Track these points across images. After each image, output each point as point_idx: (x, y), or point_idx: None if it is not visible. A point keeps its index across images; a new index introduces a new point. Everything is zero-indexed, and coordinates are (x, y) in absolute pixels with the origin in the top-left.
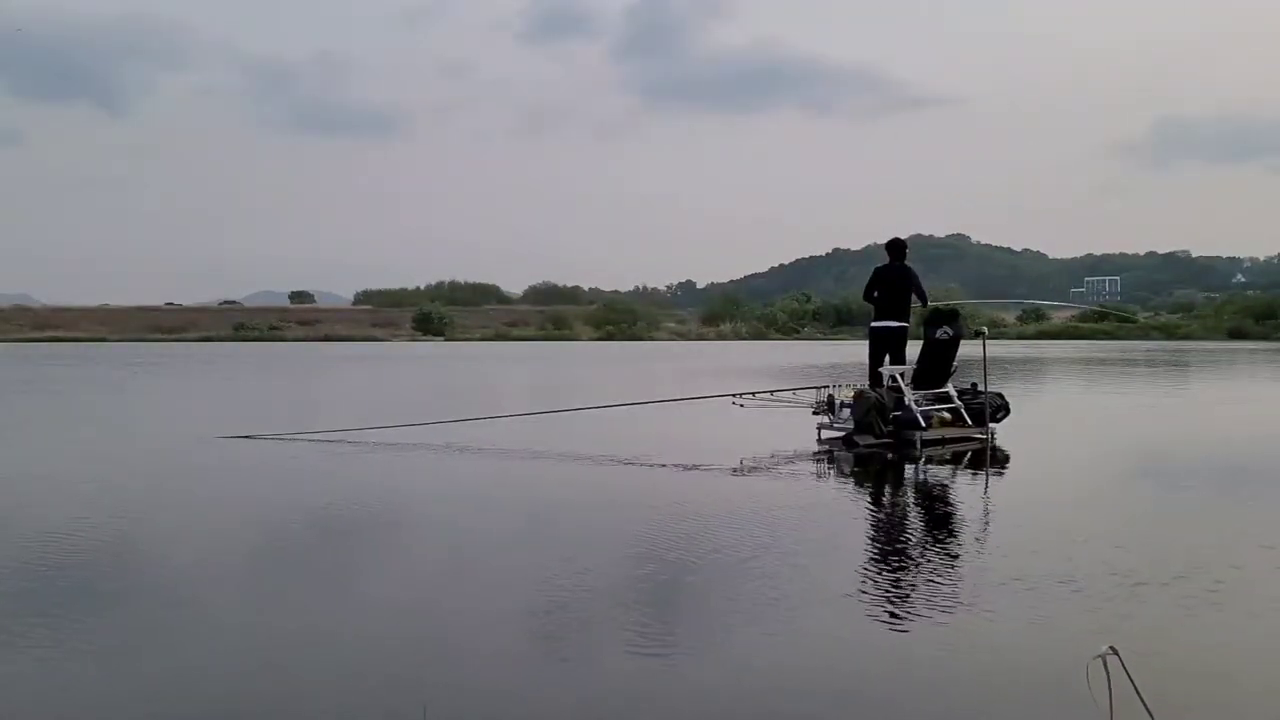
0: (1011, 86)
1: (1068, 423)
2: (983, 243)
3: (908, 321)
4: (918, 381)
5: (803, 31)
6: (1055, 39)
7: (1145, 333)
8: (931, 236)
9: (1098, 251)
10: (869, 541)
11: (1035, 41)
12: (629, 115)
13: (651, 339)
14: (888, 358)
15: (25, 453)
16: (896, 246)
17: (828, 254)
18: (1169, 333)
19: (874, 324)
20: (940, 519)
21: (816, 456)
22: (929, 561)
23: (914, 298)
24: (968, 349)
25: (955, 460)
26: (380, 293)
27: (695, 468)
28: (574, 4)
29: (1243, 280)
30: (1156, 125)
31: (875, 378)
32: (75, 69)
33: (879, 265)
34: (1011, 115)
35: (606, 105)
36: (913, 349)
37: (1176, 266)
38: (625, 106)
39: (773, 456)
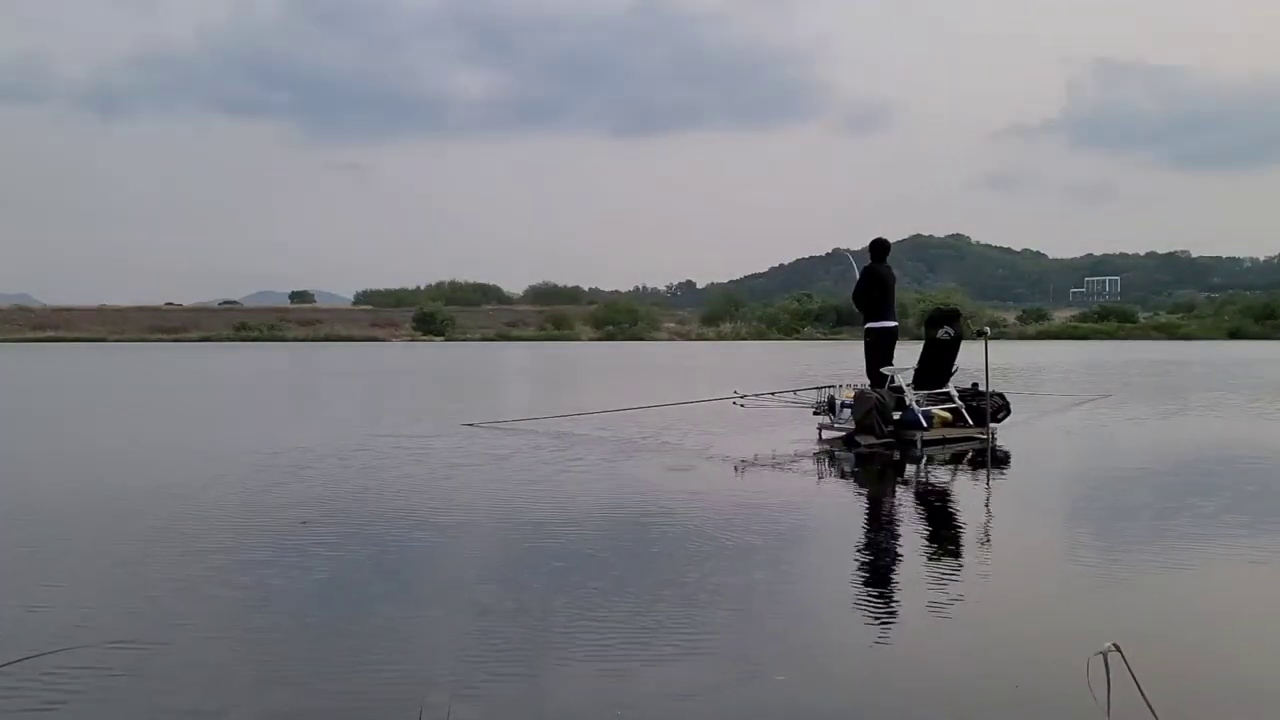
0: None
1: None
2: (983, 243)
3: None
4: (918, 381)
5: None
6: None
7: (1145, 333)
8: (931, 237)
9: (1098, 252)
10: (867, 541)
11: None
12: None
13: (652, 339)
14: (888, 358)
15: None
16: (885, 247)
17: (828, 254)
18: (1169, 333)
19: (880, 324)
20: (939, 519)
21: (817, 456)
22: (928, 561)
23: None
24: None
25: (956, 460)
26: (380, 293)
27: (695, 468)
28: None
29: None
30: None
31: (877, 378)
32: None
33: (870, 266)
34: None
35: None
36: (914, 349)
37: (1176, 266)
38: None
39: (773, 456)
